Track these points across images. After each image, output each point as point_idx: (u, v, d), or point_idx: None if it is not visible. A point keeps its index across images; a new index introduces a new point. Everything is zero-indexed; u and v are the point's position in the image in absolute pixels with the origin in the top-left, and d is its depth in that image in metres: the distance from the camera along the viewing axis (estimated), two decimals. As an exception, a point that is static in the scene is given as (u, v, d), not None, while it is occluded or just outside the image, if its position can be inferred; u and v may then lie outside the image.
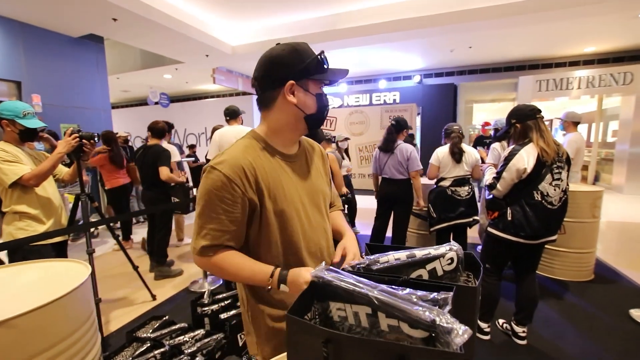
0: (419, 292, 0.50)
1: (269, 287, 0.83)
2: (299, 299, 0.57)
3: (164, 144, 3.62)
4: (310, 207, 0.97)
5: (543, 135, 1.92)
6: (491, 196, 2.10)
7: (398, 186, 3.29)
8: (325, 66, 0.88)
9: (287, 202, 0.90)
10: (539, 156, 1.87)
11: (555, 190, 1.90)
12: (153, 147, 3.36)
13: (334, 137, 4.39)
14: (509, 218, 1.97)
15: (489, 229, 2.12)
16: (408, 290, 0.50)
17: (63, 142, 2.12)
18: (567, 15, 4.91)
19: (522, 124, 1.98)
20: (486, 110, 9.68)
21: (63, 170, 2.35)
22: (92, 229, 4.35)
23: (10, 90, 4.49)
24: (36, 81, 4.67)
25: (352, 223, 4.73)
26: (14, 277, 1.29)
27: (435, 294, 0.50)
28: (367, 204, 6.24)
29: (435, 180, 3.24)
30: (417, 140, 8.21)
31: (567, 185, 1.97)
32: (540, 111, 1.97)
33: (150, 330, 2.01)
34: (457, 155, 3.04)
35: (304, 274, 0.79)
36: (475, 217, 3.14)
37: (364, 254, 0.86)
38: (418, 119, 8.58)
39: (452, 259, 0.67)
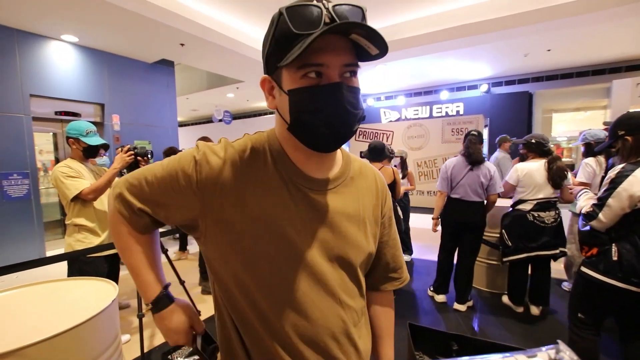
0: None
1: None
2: None
3: None
4: (325, 266, 0.63)
5: None
6: (588, 227, 1.64)
7: (472, 210, 2.77)
8: (296, 32, 0.51)
9: (280, 250, 0.60)
10: None
11: None
12: None
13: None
14: (615, 257, 1.52)
15: (584, 269, 1.66)
16: None
17: (119, 157, 2.22)
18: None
19: (636, 136, 1.54)
20: (569, 121, 8.45)
21: (120, 185, 2.46)
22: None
23: (95, 112, 5.09)
24: (116, 103, 5.23)
25: (407, 248, 4.31)
26: (42, 297, 1.27)
27: None
28: (425, 224, 5.76)
29: (512, 201, 2.77)
30: (484, 154, 7.44)
31: None
32: None
33: (186, 354, 1.94)
34: (561, 181, 2.54)
35: (175, 321, 0.65)
36: (563, 249, 2.59)
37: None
38: (485, 132, 7.82)
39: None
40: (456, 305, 2.89)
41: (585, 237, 1.68)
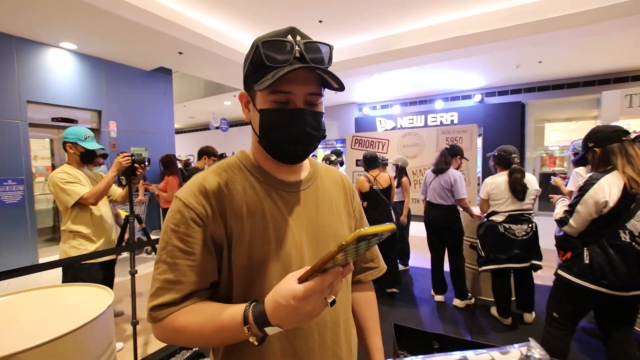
0: None
1: (256, 342, 0.53)
2: None
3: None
4: (311, 260, 0.67)
5: (632, 161, 1.59)
6: (562, 233, 1.75)
7: (440, 212, 3.10)
8: (268, 64, 0.59)
9: (270, 252, 0.63)
10: (625, 187, 1.54)
11: None
12: None
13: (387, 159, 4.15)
14: (587, 261, 1.63)
15: (560, 272, 1.76)
16: None
17: (115, 161, 2.24)
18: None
19: (603, 148, 1.67)
20: (561, 130, 8.60)
21: (117, 192, 2.48)
22: (147, 247, 4.60)
23: (92, 118, 5.11)
24: (113, 110, 5.25)
25: (401, 258, 4.30)
26: (37, 303, 1.27)
27: None
28: (421, 232, 5.79)
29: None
30: (478, 163, 7.53)
31: None
32: (627, 133, 1.65)
33: (180, 361, 1.93)
34: (520, 193, 2.62)
35: (287, 289, 0.48)
36: (536, 262, 2.63)
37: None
38: (479, 141, 7.93)
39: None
40: (454, 302, 3.11)
41: (560, 242, 1.80)
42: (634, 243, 1.53)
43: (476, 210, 3.14)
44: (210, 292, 0.65)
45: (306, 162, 0.78)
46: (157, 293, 0.61)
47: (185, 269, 0.60)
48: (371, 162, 3.40)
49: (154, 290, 0.62)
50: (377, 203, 3.26)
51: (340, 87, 0.63)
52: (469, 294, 3.12)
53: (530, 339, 0.45)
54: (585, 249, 1.65)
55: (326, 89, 0.67)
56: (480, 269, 2.77)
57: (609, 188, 1.57)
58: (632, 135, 1.66)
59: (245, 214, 0.64)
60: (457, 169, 3.21)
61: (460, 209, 3.17)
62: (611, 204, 1.55)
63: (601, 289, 1.58)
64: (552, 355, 1.70)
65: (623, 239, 1.55)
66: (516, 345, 0.44)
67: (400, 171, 4.16)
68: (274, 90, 0.60)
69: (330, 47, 0.65)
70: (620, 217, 1.56)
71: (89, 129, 2.32)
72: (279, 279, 0.60)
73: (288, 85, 0.60)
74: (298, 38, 0.61)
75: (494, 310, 2.90)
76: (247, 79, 0.65)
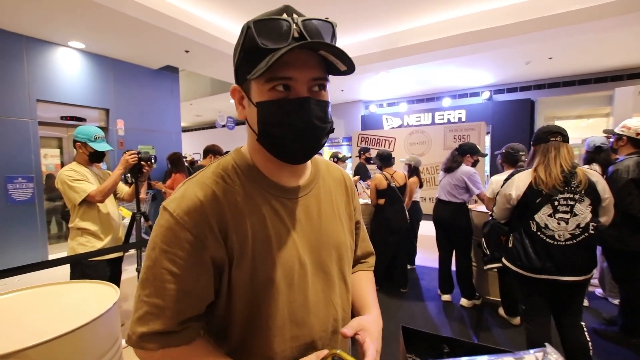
0: None
1: None
2: None
3: None
4: (313, 271, 0.63)
5: (546, 160, 1.71)
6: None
7: (447, 209, 3.08)
8: (263, 48, 0.51)
9: (275, 266, 0.58)
10: (531, 184, 1.72)
11: (559, 224, 1.66)
12: None
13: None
14: (510, 245, 1.86)
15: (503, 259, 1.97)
16: None
17: (122, 159, 2.25)
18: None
19: (535, 147, 1.84)
20: (572, 128, 8.43)
21: (124, 190, 2.49)
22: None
23: (100, 116, 5.16)
24: (121, 108, 5.30)
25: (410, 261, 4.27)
26: (43, 300, 1.28)
27: None
28: (427, 231, 5.74)
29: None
30: (487, 161, 7.45)
31: (593, 222, 1.65)
32: (557, 134, 1.75)
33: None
34: None
35: None
36: None
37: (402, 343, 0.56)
38: (487, 139, 7.82)
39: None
40: (462, 301, 3.08)
41: (498, 229, 2.02)
42: (539, 233, 1.70)
43: (481, 207, 3.12)
44: (206, 316, 0.60)
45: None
46: (146, 318, 0.54)
47: (177, 294, 0.53)
48: (386, 160, 3.46)
49: (141, 313, 0.54)
50: (393, 200, 3.29)
51: (350, 68, 0.54)
52: (477, 294, 3.08)
53: (546, 344, 0.43)
54: (511, 234, 1.87)
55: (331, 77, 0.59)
56: (485, 267, 2.74)
57: (517, 184, 1.77)
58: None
59: (247, 229, 0.57)
60: (473, 166, 3.17)
61: (472, 208, 3.18)
62: (514, 196, 1.76)
63: (518, 270, 1.78)
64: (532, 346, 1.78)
65: (532, 228, 1.72)
66: (531, 351, 0.42)
67: (412, 171, 4.12)
68: (272, 78, 0.52)
69: (333, 25, 0.56)
70: (527, 210, 1.73)
71: (97, 127, 2.33)
72: (284, 295, 0.59)
73: (287, 70, 0.52)
74: (295, 16, 0.53)
75: (501, 311, 2.87)
76: (239, 69, 0.56)
